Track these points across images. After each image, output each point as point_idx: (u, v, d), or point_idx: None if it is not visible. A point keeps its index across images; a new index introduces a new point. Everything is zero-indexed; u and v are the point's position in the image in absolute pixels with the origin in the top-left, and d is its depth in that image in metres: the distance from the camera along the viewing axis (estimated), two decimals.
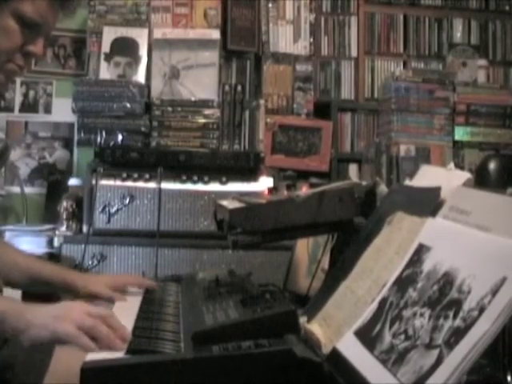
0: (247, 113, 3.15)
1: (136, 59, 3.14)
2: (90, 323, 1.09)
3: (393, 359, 0.80)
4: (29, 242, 2.73)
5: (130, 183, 2.60)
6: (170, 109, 3.04)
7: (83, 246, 2.50)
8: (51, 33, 1.32)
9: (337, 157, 3.39)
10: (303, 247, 1.76)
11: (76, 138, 3.16)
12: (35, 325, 1.10)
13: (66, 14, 1.32)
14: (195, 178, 2.62)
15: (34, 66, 3.43)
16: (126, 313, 1.25)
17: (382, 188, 1.32)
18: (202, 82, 3.14)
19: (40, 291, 1.60)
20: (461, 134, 3.11)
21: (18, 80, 3.40)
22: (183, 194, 2.62)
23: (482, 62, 3.43)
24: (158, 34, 3.17)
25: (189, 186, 2.62)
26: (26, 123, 3.43)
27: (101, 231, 2.58)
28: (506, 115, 3.15)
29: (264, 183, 2.67)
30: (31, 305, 1.17)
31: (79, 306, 1.18)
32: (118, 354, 1.02)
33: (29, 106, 3.43)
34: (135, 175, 2.60)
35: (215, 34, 3.18)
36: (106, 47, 3.15)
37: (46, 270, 1.55)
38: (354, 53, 3.54)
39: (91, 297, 1.44)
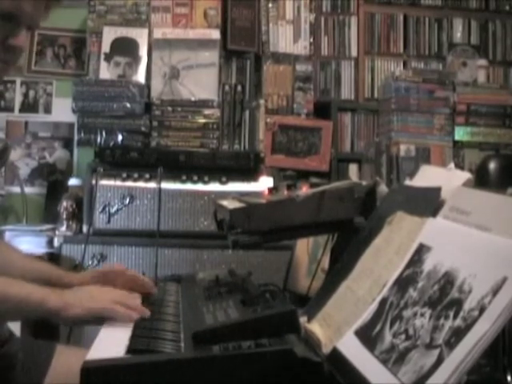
0: (247, 113, 3.15)
1: (136, 59, 3.14)
2: (123, 298, 1.21)
3: (393, 359, 0.80)
4: (29, 242, 2.73)
5: (130, 183, 2.60)
6: (170, 109, 3.04)
7: (83, 246, 2.50)
8: (36, 23, 1.27)
9: (337, 157, 3.39)
10: (303, 247, 1.76)
11: (76, 137, 3.16)
12: (71, 304, 1.19)
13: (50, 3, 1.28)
14: (195, 178, 2.62)
15: (33, 65, 3.43)
16: None
17: (382, 188, 1.32)
18: (201, 82, 3.14)
19: None
20: (461, 134, 3.10)
21: (18, 80, 3.40)
22: (183, 194, 2.62)
23: (482, 61, 3.42)
24: (158, 34, 3.17)
25: (189, 186, 2.62)
26: (26, 123, 3.43)
27: (101, 231, 2.58)
28: (506, 115, 3.14)
29: (264, 183, 2.67)
30: (67, 289, 1.27)
31: (109, 289, 1.30)
32: (118, 354, 1.02)
33: (29, 106, 3.43)
34: (135, 175, 2.60)
35: (215, 34, 3.18)
36: (106, 47, 3.15)
37: (44, 269, 1.54)
38: (354, 53, 3.54)
39: None
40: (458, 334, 0.73)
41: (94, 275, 1.48)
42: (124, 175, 2.60)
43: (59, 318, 1.19)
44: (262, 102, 3.24)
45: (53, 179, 3.36)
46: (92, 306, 1.19)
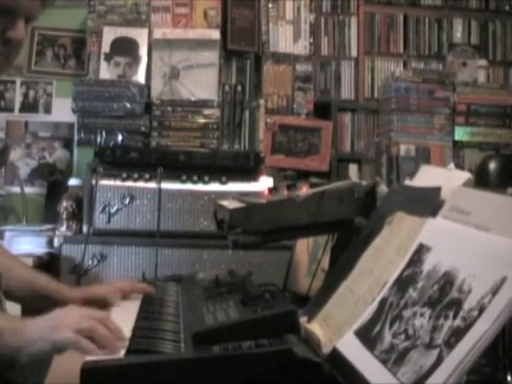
0: (247, 113, 3.14)
1: (136, 59, 3.14)
2: (88, 325, 1.07)
3: (393, 359, 0.80)
4: (29, 242, 2.73)
5: (130, 183, 2.60)
6: (170, 109, 3.04)
7: (83, 246, 2.50)
8: (33, 15, 1.24)
9: (337, 157, 3.39)
10: (303, 247, 1.76)
11: (76, 138, 3.16)
12: (34, 340, 1.08)
13: None
14: (195, 178, 2.62)
15: (33, 65, 3.43)
16: (126, 313, 1.25)
17: (382, 188, 1.32)
18: (201, 82, 3.14)
19: (35, 304, 1.54)
20: (461, 134, 3.10)
21: (18, 80, 3.40)
22: (183, 194, 2.62)
23: (482, 62, 3.43)
24: (158, 33, 3.17)
25: (189, 186, 2.62)
26: (26, 123, 3.42)
27: (101, 231, 2.58)
28: (506, 115, 3.15)
29: (264, 183, 2.67)
30: (27, 319, 1.14)
31: (74, 311, 1.17)
32: (118, 354, 1.02)
33: (29, 106, 3.43)
34: (135, 175, 2.60)
35: (215, 34, 3.18)
36: (106, 47, 3.15)
37: (42, 281, 1.51)
38: (354, 53, 3.54)
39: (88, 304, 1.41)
40: (457, 334, 0.73)
41: (86, 295, 1.44)
42: (124, 175, 2.59)
43: (21, 356, 1.07)
44: (261, 101, 3.24)
45: (53, 179, 3.36)
46: (56, 337, 1.06)
